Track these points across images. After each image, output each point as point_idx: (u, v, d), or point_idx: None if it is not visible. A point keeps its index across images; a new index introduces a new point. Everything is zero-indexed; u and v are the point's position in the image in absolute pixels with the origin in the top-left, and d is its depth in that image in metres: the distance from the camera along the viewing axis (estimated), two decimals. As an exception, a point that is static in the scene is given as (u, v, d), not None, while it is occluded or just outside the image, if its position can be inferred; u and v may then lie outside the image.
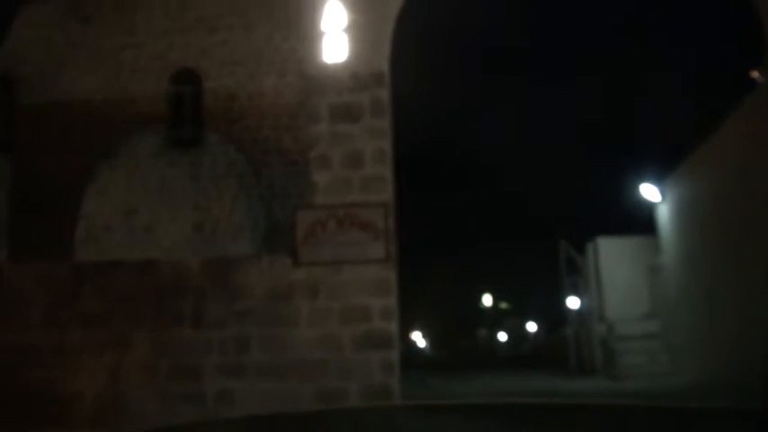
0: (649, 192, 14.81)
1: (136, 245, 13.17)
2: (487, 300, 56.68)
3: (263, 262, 8.60)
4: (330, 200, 8.61)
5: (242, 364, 8.24)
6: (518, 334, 49.81)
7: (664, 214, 14.67)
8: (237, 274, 8.50)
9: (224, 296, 8.43)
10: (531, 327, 49.36)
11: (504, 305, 56.54)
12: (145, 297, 8.53)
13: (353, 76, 8.88)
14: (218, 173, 13.44)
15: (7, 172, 13.98)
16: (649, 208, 15.26)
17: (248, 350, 8.26)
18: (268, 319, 8.32)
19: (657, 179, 14.71)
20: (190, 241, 13.05)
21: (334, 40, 8.96)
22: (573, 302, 18.85)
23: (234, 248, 12.94)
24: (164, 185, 13.46)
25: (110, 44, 14.22)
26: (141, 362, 8.35)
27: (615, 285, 16.05)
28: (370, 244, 8.36)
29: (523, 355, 34.69)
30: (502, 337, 53.73)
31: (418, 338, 56.04)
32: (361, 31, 8.95)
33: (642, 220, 15.75)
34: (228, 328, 8.33)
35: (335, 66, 8.92)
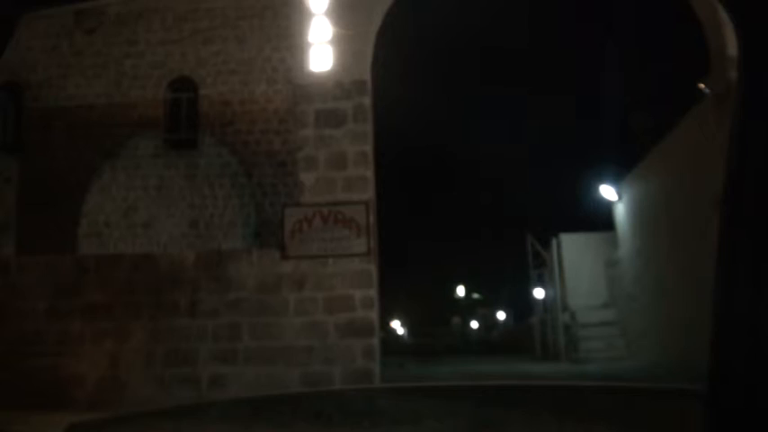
0: (608, 192, 14.92)
1: (135, 240, 13.02)
2: (461, 290, 56.84)
3: (254, 256, 8.54)
4: (316, 198, 8.57)
5: (234, 351, 8.18)
6: (489, 322, 49.96)
7: (620, 212, 14.79)
8: (230, 267, 8.42)
9: (217, 287, 8.35)
10: (501, 315, 49.54)
11: (476, 295, 56.71)
12: (143, 288, 8.43)
13: (338, 85, 8.85)
14: (213, 173, 13.30)
15: (16, 172, 13.75)
16: (608, 206, 15.38)
17: (240, 337, 8.20)
18: (258, 309, 8.27)
19: (615, 180, 14.84)
20: (185, 236, 12.91)
21: (320, 52, 8.91)
22: (539, 293, 18.99)
23: (226, 243, 12.81)
24: (161, 185, 13.29)
25: (112, 53, 14.03)
26: (139, 348, 8.25)
27: (577, 277, 16.19)
28: (352, 239, 8.33)
29: (493, 341, 34.84)
30: (474, 324, 53.88)
31: (397, 326, 56.05)
32: (344, 43, 8.91)
33: (602, 217, 15.89)
34: (221, 317, 8.27)
35: (321, 75, 8.88)
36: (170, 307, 8.34)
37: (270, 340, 8.18)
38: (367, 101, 8.89)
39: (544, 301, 18.59)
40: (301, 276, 8.32)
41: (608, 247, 15.61)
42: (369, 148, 8.85)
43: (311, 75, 8.90)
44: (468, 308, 55.03)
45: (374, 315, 8.29)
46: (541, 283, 18.65)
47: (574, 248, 16.55)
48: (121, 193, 13.34)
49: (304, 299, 8.27)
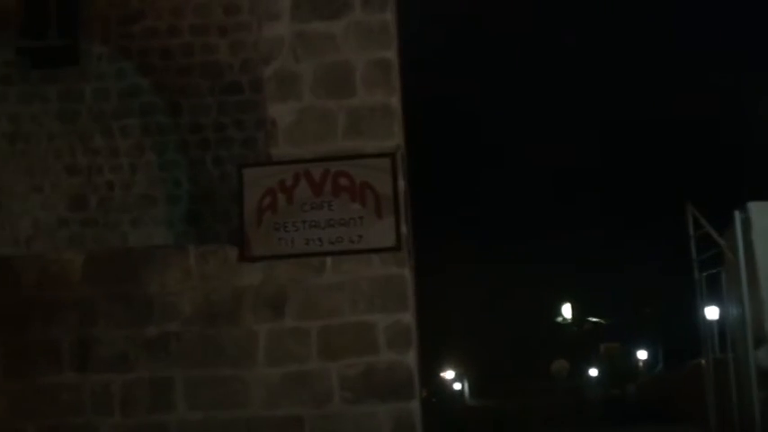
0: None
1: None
2: (567, 312, 56.87)
3: (191, 257, 8.62)
4: (298, 149, 8.62)
5: (160, 428, 8.31)
6: (620, 368, 50.00)
7: None
8: (148, 278, 8.52)
9: (126, 315, 8.45)
10: (642, 355, 49.56)
11: (594, 320, 56.72)
12: (-8, 321, 8.58)
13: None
14: (108, 109, 13.40)
15: None
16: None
17: (170, 404, 8.31)
18: (201, 352, 8.36)
19: None
20: (65, 224, 13.05)
21: None
22: (711, 312, 18.91)
23: (138, 235, 12.95)
24: (17, 132, 13.43)
25: None
26: (-7, 428, 8.42)
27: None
28: (368, 221, 8.38)
29: (629, 401, 34.94)
30: (593, 372, 53.96)
31: (452, 378, 56.42)
32: None
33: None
34: (135, 369, 8.36)
35: None
36: (43, 352, 8.46)
37: (224, 408, 8.28)
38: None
39: (722, 325, 18.54)
40: (278, 292, 8.39)
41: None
42: (392, 54, 8.85)
43: None
44: (580, 343, 55.03)
45: (412, 359, 8.36)
46: (715, 295, 18.59)
47: (775, 228, 16.42)
48: (-56, 149, 13.50)
49: (284, 332, 8.35)
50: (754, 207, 16.68)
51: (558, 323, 56.54)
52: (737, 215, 16.89)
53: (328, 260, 8.43)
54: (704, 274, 18.81)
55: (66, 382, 8.42)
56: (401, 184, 8.55)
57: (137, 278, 8.56)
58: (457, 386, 56.29)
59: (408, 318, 8.39)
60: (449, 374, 55.86)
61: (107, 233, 12.96)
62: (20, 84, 13.60)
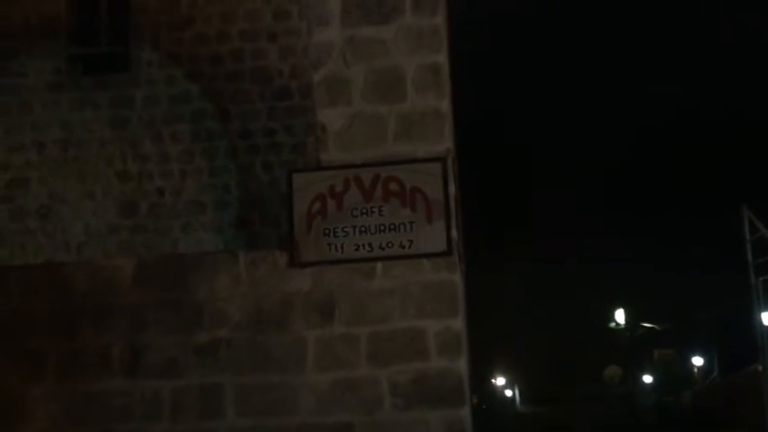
0: None
1: (26, 238, 13.29)
2: (621, 317, 56.40)
3: (241, 263, 8.63)
4: (348, 154, 8.61)
5: (209, 435, 8.32)
6: (675, 374, 49.63)
7: None
8: (198, 285, 8.54)
9: (175, 321, 8.49)
10: (698, 361, 49.17)
11: (648, 325, 56.21)
12: (45, 325, 8.61)
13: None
14: (158, 115, 13.45)
15: None
16: None
17: (219, 411, 8.32)
18: (251, 359, 8.37)
19: None
20: (115, 231, 13.11)
21: None
22: (768, 318, 18.72)
23: (188, 240, 12.99)
24: (69, 138, 13.51)
25: None
26: (43, 433, 8.47)
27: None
28: (419, 227, 8.34)
29: (685, 408, 34.69)
30: (647, 378, 53.58)
31: (503, 384, 56.32)
32: None
33: None
34: (185, 375, 8.39)
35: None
36: (93, 358, 8.50)
37: (274, 415, 8.27)
38: (435, -28, 8.88)
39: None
40: (327, 298, 8.38)
41: None
42: (443, 58, 8.82)
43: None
44: (634, 349, 54.55)
45: (462, 365, 8.31)
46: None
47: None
48: (-4, 155, 13.60)
49: (333, 339, 8.33)
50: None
51: (611, 328, 56.07)
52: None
53: (378, 265, 8.41)
54: (761, 278, 18.63)
55: (116, 387, 8.46)
56: (452, 188, 8.51)
57: (186, 284, 8.60)
58: (508, 393, 56.20)
59: (459, 324, 8.35)
60: (500, 381, 55.79)
61: (157, 239, 13.02)
62: (71, 91, 13.71)
